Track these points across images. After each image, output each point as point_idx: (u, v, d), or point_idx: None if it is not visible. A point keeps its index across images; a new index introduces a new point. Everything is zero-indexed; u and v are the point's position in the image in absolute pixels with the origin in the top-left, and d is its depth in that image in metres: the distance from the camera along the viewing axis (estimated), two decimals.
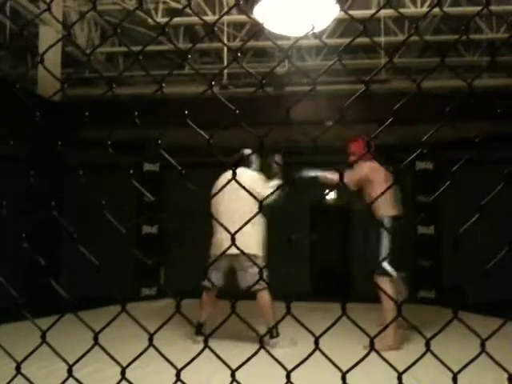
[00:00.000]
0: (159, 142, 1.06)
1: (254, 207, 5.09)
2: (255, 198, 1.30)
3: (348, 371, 0.91)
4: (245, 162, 4.73)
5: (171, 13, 7.50)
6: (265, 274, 4.41)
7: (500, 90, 7.30)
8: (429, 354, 0.96)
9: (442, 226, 6.77)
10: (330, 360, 0.92)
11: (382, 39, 7.23)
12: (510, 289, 5.67)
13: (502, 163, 5.00)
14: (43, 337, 1.01)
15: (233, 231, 1.14)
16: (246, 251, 1.53)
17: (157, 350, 1.01)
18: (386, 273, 4.35)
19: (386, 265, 4.37)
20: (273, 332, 4.39)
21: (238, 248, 1.07)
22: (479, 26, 7.56)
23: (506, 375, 1.14)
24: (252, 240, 4.45)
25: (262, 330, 4.31)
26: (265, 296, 4.46)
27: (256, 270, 4.31)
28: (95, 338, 1.02)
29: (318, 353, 0.97)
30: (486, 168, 5.14)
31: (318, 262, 7.85)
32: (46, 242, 5.93)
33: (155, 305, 6.50)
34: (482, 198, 1.21)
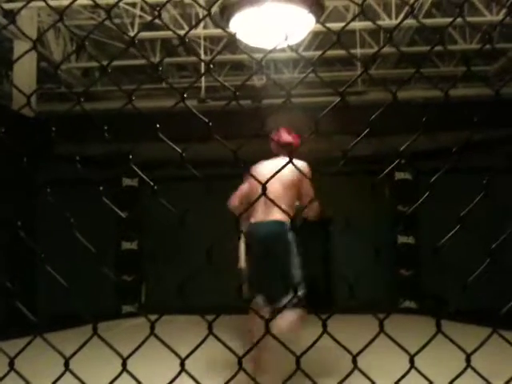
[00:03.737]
0: (130, 157, 1.03)
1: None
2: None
3: None
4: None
5: (148, 28, 7.48)
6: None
7: (474, 99, 7.41)
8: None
9: (422, 236, 6.80)
10: (312, 379, 0.89)
11: (358, 51, 7.30)
12: (489, 297, 5.71)
13: (476, 172, 5.03)
14: (11, 363, 0.96)
15: None
16: None
17: (131, 375, 0.96)
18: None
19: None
20: None
21: None
22: (453, 37, 7.71)
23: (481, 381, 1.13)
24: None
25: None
26: None
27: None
28: (66, 364, 0.97)
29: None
30: (461, 177, 5.18)
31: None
32: (21, 261, 5.80)
33: (136, 322, 6.39)
34: (459, 206, 1.20)
